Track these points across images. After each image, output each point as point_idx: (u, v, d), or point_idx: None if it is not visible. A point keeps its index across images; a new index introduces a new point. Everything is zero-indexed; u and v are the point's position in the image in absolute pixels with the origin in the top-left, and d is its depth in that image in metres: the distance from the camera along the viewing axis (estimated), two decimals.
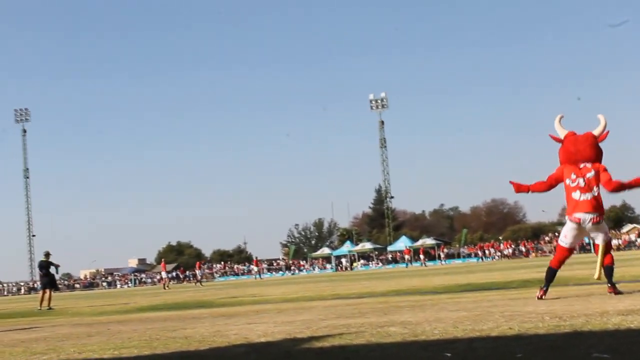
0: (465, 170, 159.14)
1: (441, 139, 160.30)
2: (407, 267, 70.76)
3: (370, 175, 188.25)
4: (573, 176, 10.05)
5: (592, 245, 34.04)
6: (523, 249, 79.81)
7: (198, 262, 71.58)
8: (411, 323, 7.50)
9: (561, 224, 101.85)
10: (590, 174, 9.97)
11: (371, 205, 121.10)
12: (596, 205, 9.86)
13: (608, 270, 10.02)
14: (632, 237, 77.57)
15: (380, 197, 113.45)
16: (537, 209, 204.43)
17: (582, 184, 9.96)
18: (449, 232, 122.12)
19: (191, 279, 79.31)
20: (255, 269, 74.13)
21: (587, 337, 5.45)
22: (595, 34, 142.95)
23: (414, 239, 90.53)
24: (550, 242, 79.83)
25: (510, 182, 10.78)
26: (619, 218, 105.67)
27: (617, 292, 9.84)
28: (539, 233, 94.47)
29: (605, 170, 10.03)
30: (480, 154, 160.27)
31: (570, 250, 10.34)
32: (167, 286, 53.93)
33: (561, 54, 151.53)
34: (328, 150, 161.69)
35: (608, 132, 10.29)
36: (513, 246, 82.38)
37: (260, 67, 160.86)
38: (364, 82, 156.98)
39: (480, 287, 16.01)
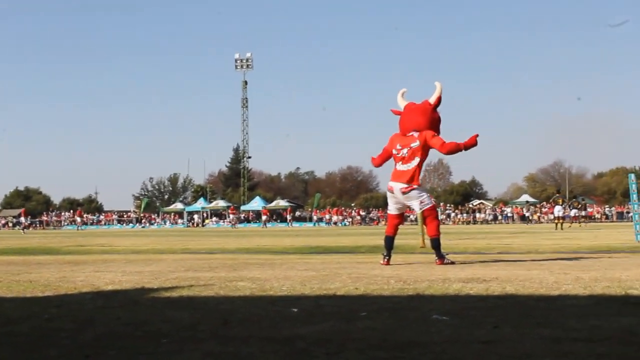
0: (324, 135, 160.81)
1: (303, 103, 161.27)
2: (263, 227, 71.10)
3: (229, 134, 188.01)
4: (398, 147, 10.05)
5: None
6: (374, 216, 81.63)
7: (23, 209, 69.73)
8: (260, 279, 7.57)
9: None
10: (414, 144, 9.91)
11: (228, 164, 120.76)
12: (408, 176, 9.86)
13: (433, 241, 9.94)
14: (479, 214, 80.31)
15: (238, 157, 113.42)
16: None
17: (405, 154, 9.94)
18: (303, 196, 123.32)
19: (37, 225, 77.09)
20: (79, 219, 73.43)
21: (428, 300, 5.65)
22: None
23: (268, 200, 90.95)
24: None
25: (372, 158, 10.66)
26: (467, 193, 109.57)
27: (446, 263, 9.75)
28: None
29: (434, 136, 9.91)
30: (340, 122, 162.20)
31: (397, 217, 10.30)
32: (24, 231, 52.38)
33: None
34: (189, 107, 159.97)
35: (440, 97, 10.18)
36: (364, 213, 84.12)
37: (126, 15, 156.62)
38: (231, 41, 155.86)
39: (330, 250, 16.28)
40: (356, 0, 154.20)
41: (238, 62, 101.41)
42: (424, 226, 10.23)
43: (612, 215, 76.43)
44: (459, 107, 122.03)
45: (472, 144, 9.77)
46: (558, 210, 40.89)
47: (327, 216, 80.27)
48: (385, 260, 9.96)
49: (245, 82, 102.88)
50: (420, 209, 9.97)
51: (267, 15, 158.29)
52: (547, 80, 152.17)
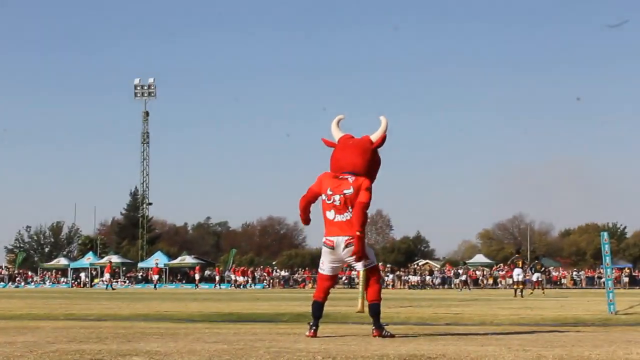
0: (241, 180, 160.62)
1: (216, 139, 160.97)
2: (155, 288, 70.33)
3: (126, 175, 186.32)
4: (329, 192, 9.86)
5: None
6: (299, 278, 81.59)
7: None
8: (159, 353, 7.49)
9: None
10: (348, 191, 9.76)
11: (123, 212, 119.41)
12: (349, 228, 9.70)
13: (373, 308, 9.86)
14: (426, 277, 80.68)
15: (136, 203, 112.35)
16: (320, 233, 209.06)
17: (337, 201, 9.79)
18: (215, 251, 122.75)
19: None
20: None
21: None
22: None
23: (172, 256, 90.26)
24: None
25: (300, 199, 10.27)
26: (410, 251, 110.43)
27: (385, 336, 9.68)
28: (318, 261, 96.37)
29: (367, 189, 9.78)
30: (260, 163, 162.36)
31: (330, 279, 10.21)
32: None
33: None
34: (77, 142, 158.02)
35: (384, 136, 10.07)
36: (287, 273, 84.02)
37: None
38: (130, 65, 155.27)
39: (245, 317, 16.21)
40: (278, 19, 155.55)
41: (138, 88, 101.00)
42: (364, 286, 9.97)
43: (580, 280, 77.71)
44: (400, 146, 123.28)
45: (356, 249, 9.67)
46: (517, 274, 41.46)
47: (240, 277, 79.29)
48: (312, 331, 9.86)
49: (147, 113, 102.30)
50: (365, 266, 9.81)
51: (173, 35, 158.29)
52: (506, 121, 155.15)
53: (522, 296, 38.02)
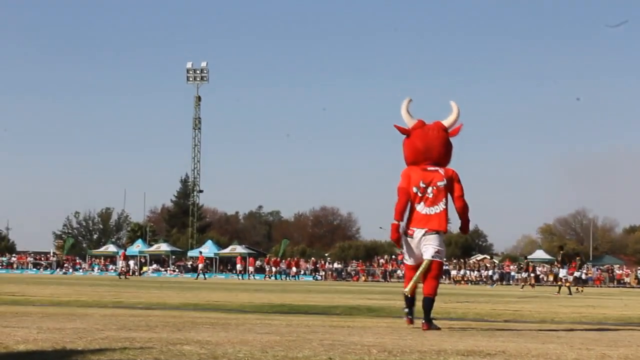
0: (294, 169, 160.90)
1: (270, 126, 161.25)
2: (197, 278, 70.77)
3: (177, 162, 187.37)
4: (422, 184, 10.05)
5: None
6: (352, 270, 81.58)
7: None
8: (210, 343, 7.52)
9: None
10: (441, 183, 10.04)
11: (174, 199, 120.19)
12: (437, 222, 10.01)
13: (427, 301, 10.13)
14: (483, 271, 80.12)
15: (187, 190, 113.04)
16: (374, 225, 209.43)
17: (429, 194, 10.02)
18: (266, 241, 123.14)
19: None
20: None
21: None
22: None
23: (222, 245, 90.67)
24: (387, 263, 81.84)
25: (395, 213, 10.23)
26: (468, 246, 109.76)
27: (433, 328, 9.97)
28: (372, 253, 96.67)
29: (458, 180, 10.16)
30: (314, 152, 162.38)
31: (416, 268, 10.27)
32: None
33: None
34: (127, 127, 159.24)
35: (461, 125, 10.39)
36: (340, 265, 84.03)
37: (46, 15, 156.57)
38: (182, 48, 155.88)
39: (298, 309, 16.24)
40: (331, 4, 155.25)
41: (191, 73, 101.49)
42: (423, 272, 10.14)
43: None
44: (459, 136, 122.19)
45: (467, 230, 10.58)
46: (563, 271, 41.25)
47: (294, 268, 79.65)
48: (408, 319, 10.47)
49: (199, 98, 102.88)
50: (433, 257, 10.04)
51: (227, 18, 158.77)
52: (571, 110, 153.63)
53: (569, 293, 37.60)
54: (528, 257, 78.07)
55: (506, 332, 10.35)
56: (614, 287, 70.44)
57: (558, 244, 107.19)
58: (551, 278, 75.96)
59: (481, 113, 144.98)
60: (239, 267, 76.26)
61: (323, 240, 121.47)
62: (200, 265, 71.42)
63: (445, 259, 10.39)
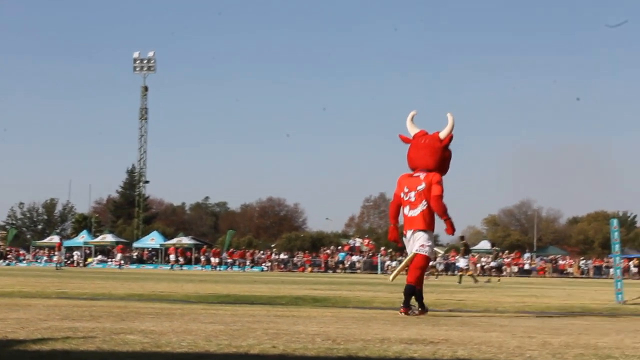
0: (240, 159, 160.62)
1: (217, 117, 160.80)
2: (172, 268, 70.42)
3: (123, 153, 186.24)
4: (406, 189, 11.35)
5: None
6: (298, 261, 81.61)
7: None
8: (154, 332, 7.51)
9: (346, 235, 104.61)
10: (420, 187, 11.20)
11: (119, 190, 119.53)
12: (422, 221, 11.21)
13: (409, 288, 11.17)
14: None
15: (133, 181, 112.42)
16: (321, 216, 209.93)
17: (412, 197, 11.27)
18: (212, 232, 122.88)
19: None
20: None
21: None
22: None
23: (168, 236, 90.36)
24: (332, 255, 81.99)
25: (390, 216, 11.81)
26: None
27: (410, 314, 11.03)
28: (318, 244, 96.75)
29: (438, 182, 11.19)
30: (260, 144, 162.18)
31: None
32: None
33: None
34: (73, 117, 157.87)
35: (451, 135, 11.53)
36: (286, 256, 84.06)
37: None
38: (129, 37, 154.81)
39: (243, 299, 16.23)
40: None
41: (137, 62, 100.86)
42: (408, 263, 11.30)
43: (588, 269, 77.72)
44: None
45: (449, 230, 11.48)
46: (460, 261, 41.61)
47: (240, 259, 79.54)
48: (404, 308, 11.20)
49: (146, 88, 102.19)
50: (417, 251, 11.18)
51: (175, 8, 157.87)
52: (517, 103, 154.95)
53: (475, 282, 37.46)
54: (472, 247, 78.40)
55: (450, 320, 10.44)
56: (557, 277, 71.19)
57: (502, 234, 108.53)
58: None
59: (429, 103, 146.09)
60: (172, 257, 76.38)
61: (270, 231, 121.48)
62: (172, 257, 71.63)
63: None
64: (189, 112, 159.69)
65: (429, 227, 11.27)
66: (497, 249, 66.81)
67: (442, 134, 11.56)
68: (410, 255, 11.21)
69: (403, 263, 11.45)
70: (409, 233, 11.34)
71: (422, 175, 11.31)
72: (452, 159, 11.73)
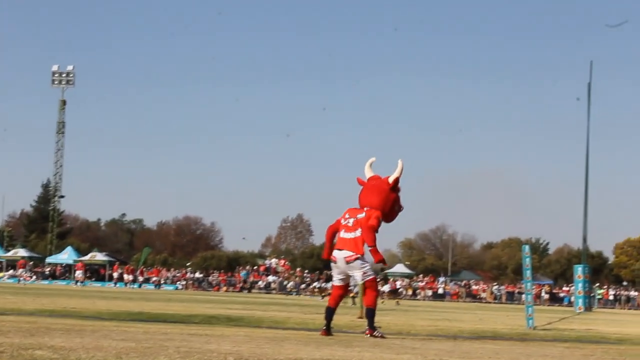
0: (157, 177, 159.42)
1: (135, 133, 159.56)
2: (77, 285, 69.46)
3: (38, 166, 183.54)
4: (347, 216, 12.23)
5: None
6: (213, 280, 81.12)
7: None
8: (64, 348, 7.41)
9: (263, 255, 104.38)
10: (361, 215, 12.07)
11: (34, 204, 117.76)
12: (353, 245, 11.91)
13: (369, 311, 12.09)
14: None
15: (47, 195, 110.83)
16: (237, 235, 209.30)
17: (350, 223, 12.10)
18: (128, 249, 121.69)
19: None
20: None
21: None
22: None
23: (82, 252, 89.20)
24: (248, 275, 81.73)
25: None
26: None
27: (376, 336, 11.78)
28: (234, 264, 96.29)
29: (377, 217, 12.00)
30: (178, 160, 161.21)
31: (341, 288, 12.37)
32: None
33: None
34: None
35: (397, 178, 12.54)
36: (201, 275, 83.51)
37: None
38: (48, 50, 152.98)
39: (156, 317, 16.10)
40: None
41: (56, 76, 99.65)
42: (362, 296, 12.40)
43: (501, 295, 78.48)
44: (328, 151, 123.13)
45: (375, 260, 12.16)
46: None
47: (154, 277, 78.70)
48: (324, 330, 12.02)
49: (64, 102, 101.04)
50: (362, 279, 11.99)
51: (96, 20, 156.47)
52: (434, 128, 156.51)
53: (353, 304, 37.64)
54: (388, 271, 79.13)
55: (363, 342, 10.47)
56: (470, 301, 71.89)
57: (418, 258, 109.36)
58: (410, 292, 77.28)
59: (348, 126, 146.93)
60: (78, 273, 75.28)
61: (185, 250, 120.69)
62: (79, 273, 70.51)
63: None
64: (107, 128, 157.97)
65: (359, 252, 11.94)
66: (385, 272, 68.47)
67: (390, 178, 12.57)
68: (359, 287, 12.69)
69: (359, 297, 13.29)
70: (339, 256, 12.04)
71: (366, 209, 12.19)
72: None
